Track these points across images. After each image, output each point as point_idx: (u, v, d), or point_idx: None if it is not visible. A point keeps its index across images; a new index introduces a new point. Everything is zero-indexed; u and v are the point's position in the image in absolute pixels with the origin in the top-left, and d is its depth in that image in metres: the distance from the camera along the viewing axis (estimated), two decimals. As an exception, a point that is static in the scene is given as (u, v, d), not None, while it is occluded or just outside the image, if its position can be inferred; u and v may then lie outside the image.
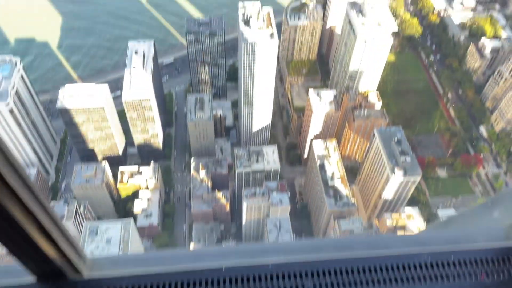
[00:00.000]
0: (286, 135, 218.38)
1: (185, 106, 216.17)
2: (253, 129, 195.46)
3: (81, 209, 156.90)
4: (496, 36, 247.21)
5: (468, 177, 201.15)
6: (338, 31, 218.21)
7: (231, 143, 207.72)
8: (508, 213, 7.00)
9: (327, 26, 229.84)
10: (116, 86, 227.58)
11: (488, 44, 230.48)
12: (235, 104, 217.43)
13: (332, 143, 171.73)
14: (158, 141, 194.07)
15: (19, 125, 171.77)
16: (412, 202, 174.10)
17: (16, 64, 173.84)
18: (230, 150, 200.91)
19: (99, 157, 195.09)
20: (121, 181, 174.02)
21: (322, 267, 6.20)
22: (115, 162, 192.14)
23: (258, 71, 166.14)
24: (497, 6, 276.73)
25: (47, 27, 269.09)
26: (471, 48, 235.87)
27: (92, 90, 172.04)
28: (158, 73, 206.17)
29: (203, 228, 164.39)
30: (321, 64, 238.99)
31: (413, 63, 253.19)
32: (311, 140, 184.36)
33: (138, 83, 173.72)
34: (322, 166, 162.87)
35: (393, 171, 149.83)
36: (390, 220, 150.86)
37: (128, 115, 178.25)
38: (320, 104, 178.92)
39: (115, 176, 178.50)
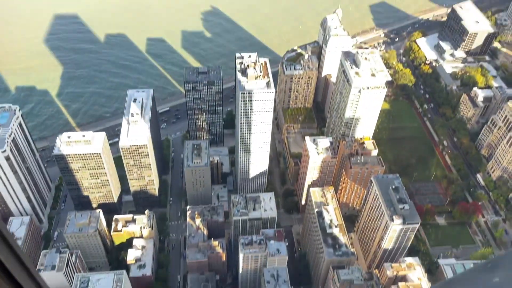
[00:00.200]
0: (283, 182, 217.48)
1: (182, 152, 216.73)
2: (250, 176, 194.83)
3: (73, 258, 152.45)
4: (487, 86, 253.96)
5: (468, 225, 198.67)
6: (333, 79, 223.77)
7: (228, 190, 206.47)
8: (509, 281, 6.64)
9: (323, 75, 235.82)
10: (114, 133, 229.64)
11: (480, 93, 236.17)
12: (232, 151, 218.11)
13: (330, 191, 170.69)
14: (154, 188, 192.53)
15: (15, 172, 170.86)
16: (412, 250, 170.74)
17: (15, 112, 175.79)
18: (227, 197, 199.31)
19: (94, 204, 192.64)
20: (115, 229, 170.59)
21: None
22: (110, 209, 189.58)
23: (255, 119, 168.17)
24: (487, 57, 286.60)
25: (48, 76, 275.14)
26: (464, 97, 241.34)
27: (89, 137, 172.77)
28: (156, 120, 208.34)
29: (198, 278, 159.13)
30: (317, 111, 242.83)
31: (408, 111, 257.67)
32: (309, 186, 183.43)
33: (136, 130, 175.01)
34: (320, 214, 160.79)
35: (392, 219, 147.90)
36: (390, 270, 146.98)
37: (124, 162, 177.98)
38: (317, 151, 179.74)
39: (109, 223, 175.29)
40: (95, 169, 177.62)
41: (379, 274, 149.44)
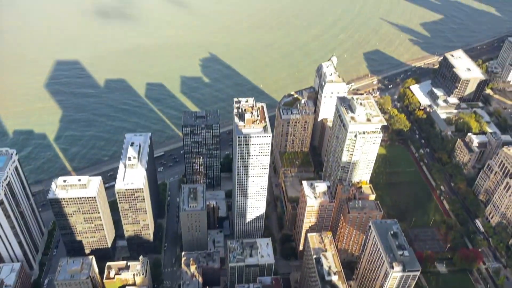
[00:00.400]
0: (280, 227, 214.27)
1: (178, 196, 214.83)
2: (247, 220, 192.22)
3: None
4: (482, 132, 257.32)
5: (469, 272, 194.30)
6: (330, 123, 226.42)
7: (224, 234, 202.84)
8: None
9: (319, 119, 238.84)
10: (111, 177, 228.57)
11: (475, 139, 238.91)
12: (229, 194, 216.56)
13: (328, 236, 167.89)
14: (148, 233, 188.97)
15: (8, 216, 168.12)
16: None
17: (12, 156, 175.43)
18: (223, 242, 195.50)
19: (87, 250, 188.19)
20: (108, 277, 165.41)
21: None
22: (104, 255, 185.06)
23: (252, 162, 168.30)
24: (480, 103, 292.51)
25: (48, 119, 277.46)
26: (459, 142, 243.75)
27: (85, 181, 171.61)
28: (153, 164, 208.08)
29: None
30: (314, 155, 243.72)
31: (404, 155, 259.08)
32: (306, 231, 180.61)
33: (132, 174, 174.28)
34: (318, 260, 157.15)
35: (391, 266, 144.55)
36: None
37: (120, 206, 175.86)
38: (314, 195, 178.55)
39: (102, 270, 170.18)
40: (89, 213, 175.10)
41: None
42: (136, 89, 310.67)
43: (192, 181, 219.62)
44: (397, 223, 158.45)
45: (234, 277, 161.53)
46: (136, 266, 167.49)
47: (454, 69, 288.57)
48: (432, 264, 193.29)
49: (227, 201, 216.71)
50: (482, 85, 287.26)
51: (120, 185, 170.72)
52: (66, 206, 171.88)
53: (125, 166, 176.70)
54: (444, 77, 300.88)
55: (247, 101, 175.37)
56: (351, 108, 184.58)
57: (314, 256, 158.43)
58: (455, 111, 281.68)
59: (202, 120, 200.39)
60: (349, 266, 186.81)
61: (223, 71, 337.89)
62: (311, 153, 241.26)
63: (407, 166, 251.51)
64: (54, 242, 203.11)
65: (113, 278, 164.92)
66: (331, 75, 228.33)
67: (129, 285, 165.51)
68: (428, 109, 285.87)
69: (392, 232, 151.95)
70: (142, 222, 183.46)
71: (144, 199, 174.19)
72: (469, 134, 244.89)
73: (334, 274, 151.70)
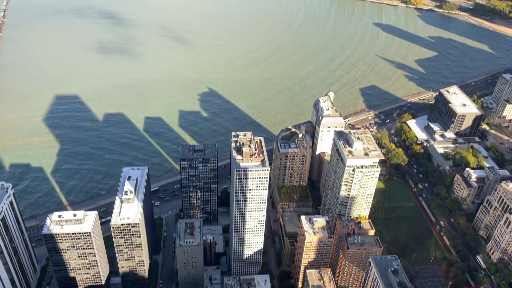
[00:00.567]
0: (278, 263, 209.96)
1: (174, 231, 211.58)
2: (245, 256, 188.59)
3: None
4: (479, 166, 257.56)
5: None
6: (327, 157, 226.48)
7: (221, 271, 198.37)
8: None
9: (317, 153, 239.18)
10: (107, 211, 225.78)
11: (473, 174, 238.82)
12: (227, 229, 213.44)
13: (327, 273, 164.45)
14: (143, 270, 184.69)
15: (0, 252, 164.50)
16: None
17: (7, 190, 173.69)
18: (220, 279, 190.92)
19: (80, 287, 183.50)
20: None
21: None
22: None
23: (250, 196, 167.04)
24: (476, 138, 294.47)
25: (46, 153, 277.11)
26: (457, 177, 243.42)
27: (80, 216, 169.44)
28: (149, 198, 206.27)
29: None
30: (312, 189, 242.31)
31: (403, 190, 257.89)
32: (305, 268, 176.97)
33: (128, 209, 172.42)
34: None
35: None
36: None
37: (115, 241, 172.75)
38: (313, 230, 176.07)
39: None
40: (83, 249, 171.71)
41: None
42: (135, 123, 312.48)
43: (189, 216, 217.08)
44: (397, 259, 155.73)
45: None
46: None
47: (450, 104, 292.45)
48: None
49: (225, 236, 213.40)
50: (478, 120, 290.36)
51: (115, 220, 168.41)
52: (60, 242, 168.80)
53: (122, 201, 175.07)
54: (440, 112, 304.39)
55: (245, 135, 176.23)
56: (348, 143, 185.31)
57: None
58: (452, 145, 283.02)
59: (200, 153, 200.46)
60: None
61: (221, 106, 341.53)
62: (309, 187, 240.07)
63: (406, 201, 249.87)
64: (47, 278, 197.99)
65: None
66: (328, 109, 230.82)
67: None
68: (425, 144, 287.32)
69: (392, 269, 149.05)
70: (137, 258, 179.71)
71: (140, 234, 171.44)
72: (467, 168, 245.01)
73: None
